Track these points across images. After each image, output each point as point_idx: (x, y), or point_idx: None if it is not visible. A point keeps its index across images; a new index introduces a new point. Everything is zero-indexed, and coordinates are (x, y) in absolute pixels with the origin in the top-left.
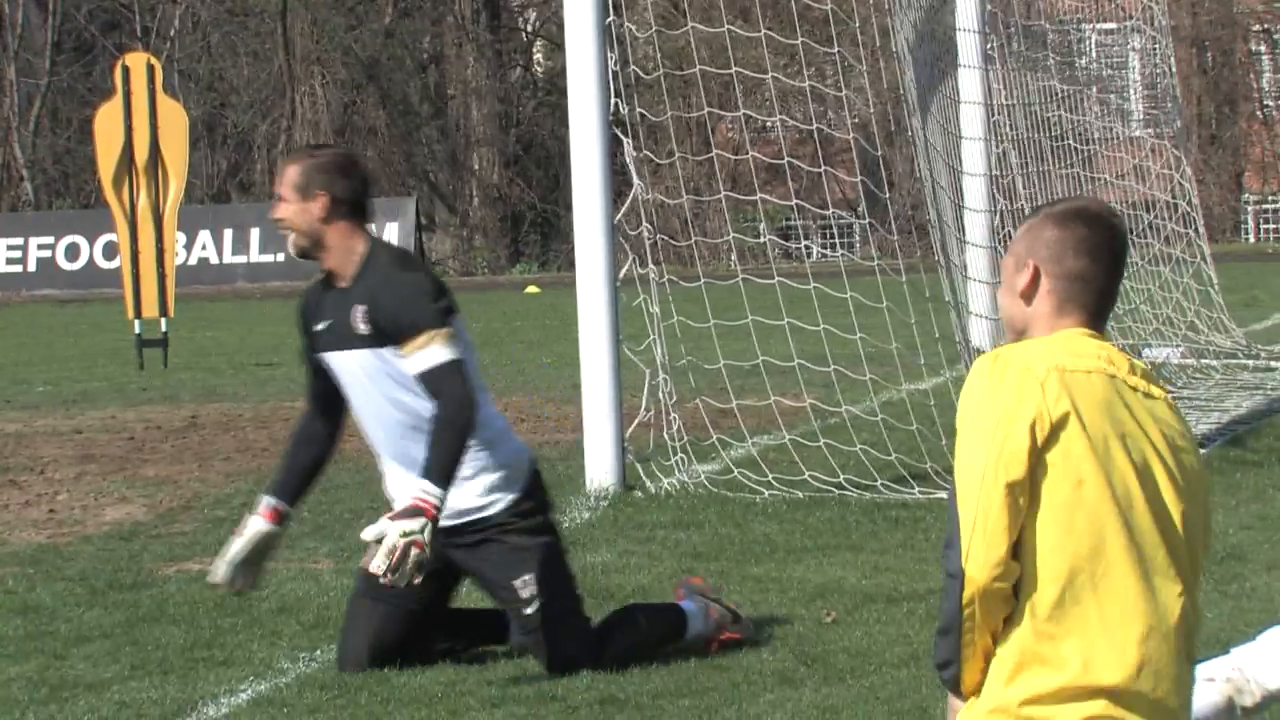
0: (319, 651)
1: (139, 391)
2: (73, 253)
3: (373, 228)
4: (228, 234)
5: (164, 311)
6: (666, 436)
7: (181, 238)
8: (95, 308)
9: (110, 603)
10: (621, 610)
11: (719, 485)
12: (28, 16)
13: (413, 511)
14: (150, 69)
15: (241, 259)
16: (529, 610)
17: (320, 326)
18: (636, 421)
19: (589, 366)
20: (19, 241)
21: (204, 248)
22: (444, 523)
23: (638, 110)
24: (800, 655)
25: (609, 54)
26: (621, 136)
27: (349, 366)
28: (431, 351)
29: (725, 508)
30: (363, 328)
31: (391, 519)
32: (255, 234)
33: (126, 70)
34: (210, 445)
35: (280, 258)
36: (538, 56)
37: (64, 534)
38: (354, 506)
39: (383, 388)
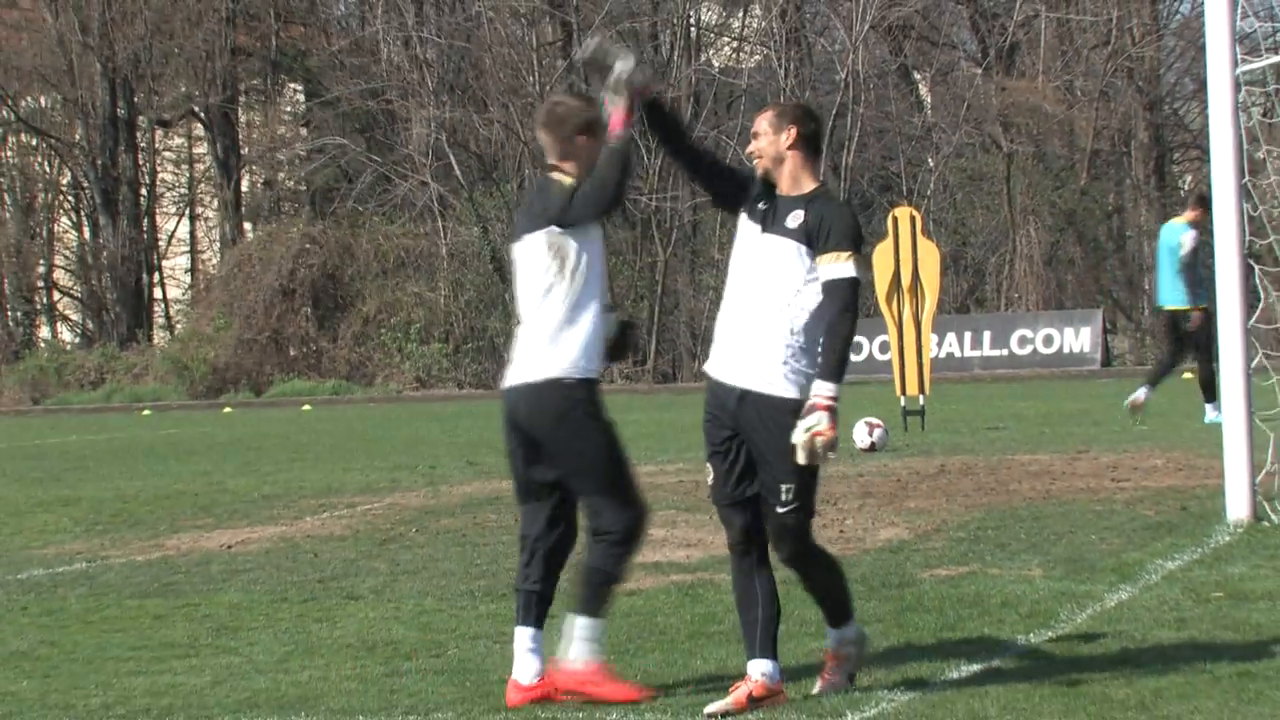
0: (1031, 636)
1: (903, 447)
2: (855, 348)
3: (820, 169)
4: (967, 335)
5: (922, 389)
6: None
7: (935, 338)
8: (869, 389)
9: (883, 597)
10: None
11: None
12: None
13: (810, 411)
14: (913, 219)
15: (976, 353)
16: (782, 510)
17: (761, 205)
18: (1264, 471)
19: (1229, 431)
20: None
21: (950, 345)
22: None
23: None
24: None
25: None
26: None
27: (759, 245)
28: (840, 266)
29: None
30: (791, 224)
31: (799, 423)
32: (986, 336)
33: (895, 219)
34: (955, 486)
35: (1006, 352)
36: None
37: (850, 548)
38: (1056, 530)
39: (770, 268)
